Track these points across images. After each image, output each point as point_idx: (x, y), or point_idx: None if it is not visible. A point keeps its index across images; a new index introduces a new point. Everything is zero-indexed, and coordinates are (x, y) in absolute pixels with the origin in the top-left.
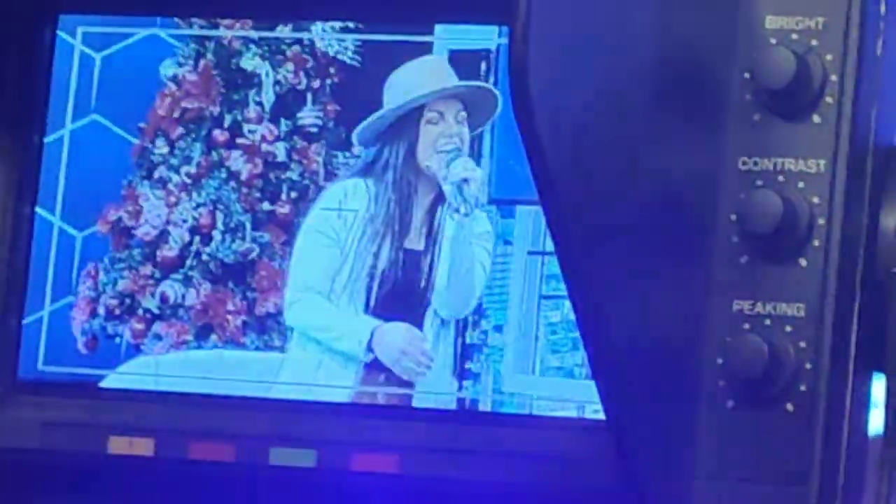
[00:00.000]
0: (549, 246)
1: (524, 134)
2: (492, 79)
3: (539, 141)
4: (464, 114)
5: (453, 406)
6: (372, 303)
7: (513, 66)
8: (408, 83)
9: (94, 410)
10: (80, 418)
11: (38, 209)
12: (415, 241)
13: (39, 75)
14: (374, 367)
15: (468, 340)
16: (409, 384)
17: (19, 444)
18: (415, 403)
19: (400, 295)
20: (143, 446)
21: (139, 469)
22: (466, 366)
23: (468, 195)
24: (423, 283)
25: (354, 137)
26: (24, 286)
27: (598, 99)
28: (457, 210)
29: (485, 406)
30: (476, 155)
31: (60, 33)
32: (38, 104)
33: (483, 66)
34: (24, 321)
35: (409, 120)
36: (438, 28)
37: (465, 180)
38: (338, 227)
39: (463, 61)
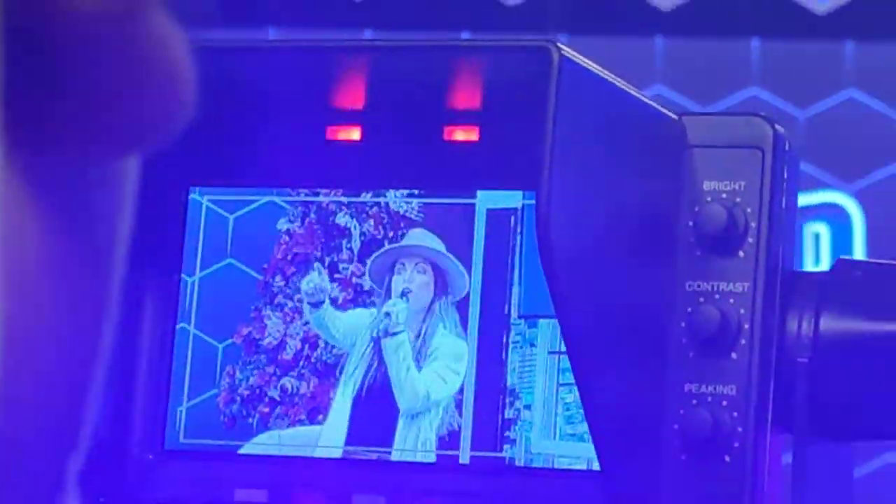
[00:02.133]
0: (562, 347)
1: (546, 268)
2: (519, 228)
3: (557, 275)
4: (424, 265)
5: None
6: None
7: (538, 222)
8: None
9: (225, 470)
10: (214, 476)
11: (186, 325)
12: None
13: (178, 231)
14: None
15: (507, 416)
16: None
17: (168, 495)
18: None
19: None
20: (259, 495)
21: None
22: (506, 434)
23: (390, 323)
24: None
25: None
26: (168, 384)
27: (597, 243)
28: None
29: (520, 463)
30: (508, 286)
31: (196, 197)
32: (180, 253)
33: (512, 220)
34: (178, 408)
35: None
36: (480, 193)
37: (388, 314)
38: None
39: (497, 217)
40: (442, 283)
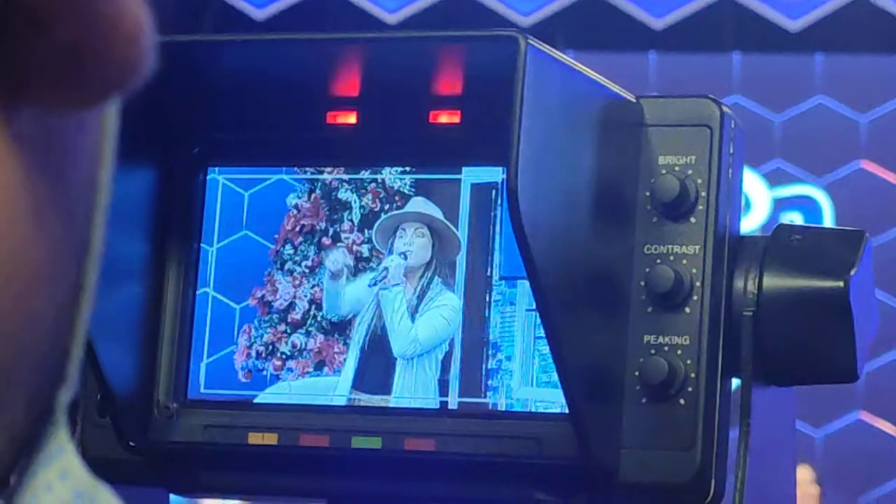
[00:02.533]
0: None
1: (517, 235)
2: (500, 200)
3: (527, 241)
4: (423, 230)
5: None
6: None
7: (509, 194)
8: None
9: (241, 417)
10: (231, 422)
11: (207, 290)
12: None
13: (198, 206)
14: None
15: (490, 366)
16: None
17: (189, 439)
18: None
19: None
20: (270, 438)
21: (266, 453)
22: (489, 382)
23: (388, 276)
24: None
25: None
26: (191, 342)
27: (562, 212)
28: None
29: (502, 407)
30: (490, 251)
31: (214, 176)
32: (200, 226)
33: (493, 192)
34: (200, 363)
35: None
36: (465, 169)
37: (386, 268)
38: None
39: (480, 190)
40: (439, 244)
